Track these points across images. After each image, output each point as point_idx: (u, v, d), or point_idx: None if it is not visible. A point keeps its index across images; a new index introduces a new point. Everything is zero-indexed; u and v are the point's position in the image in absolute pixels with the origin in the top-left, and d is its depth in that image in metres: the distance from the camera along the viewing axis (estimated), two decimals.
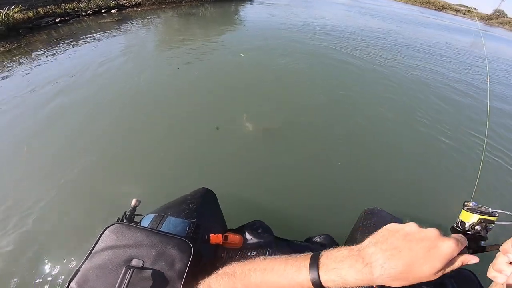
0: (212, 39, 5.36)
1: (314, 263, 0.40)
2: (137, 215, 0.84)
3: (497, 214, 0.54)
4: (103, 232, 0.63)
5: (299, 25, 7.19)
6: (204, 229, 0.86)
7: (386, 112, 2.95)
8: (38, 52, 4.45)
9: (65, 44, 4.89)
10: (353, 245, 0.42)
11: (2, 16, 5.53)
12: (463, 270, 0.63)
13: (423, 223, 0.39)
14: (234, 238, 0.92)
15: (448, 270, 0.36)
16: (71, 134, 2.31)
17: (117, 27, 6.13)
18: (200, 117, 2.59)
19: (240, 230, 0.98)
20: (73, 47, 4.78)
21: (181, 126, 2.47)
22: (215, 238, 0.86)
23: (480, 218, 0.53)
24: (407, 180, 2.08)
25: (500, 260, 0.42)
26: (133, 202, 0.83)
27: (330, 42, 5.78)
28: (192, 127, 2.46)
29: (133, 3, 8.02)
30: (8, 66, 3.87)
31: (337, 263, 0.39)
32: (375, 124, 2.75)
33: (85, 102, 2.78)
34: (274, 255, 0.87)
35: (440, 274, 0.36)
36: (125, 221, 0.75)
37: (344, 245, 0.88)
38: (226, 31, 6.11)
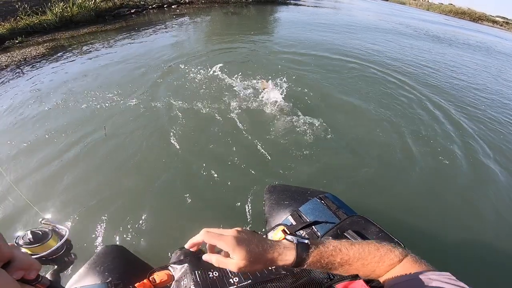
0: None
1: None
2: None
3: None
4: None
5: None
6: (126, 283, 0.85)
7: None
8: (123, 35, 5.72)
9: (143, 30, 6.13)
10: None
11: (92, 2, 7.23)
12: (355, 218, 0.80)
13: None
14: (161, 276, 0.86)
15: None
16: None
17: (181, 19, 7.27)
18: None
19: (163, 266, 0.90)
20: (151, 32, 5.98)
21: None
22: (142, 286, 0.82)
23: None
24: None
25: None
26: None
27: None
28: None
29: (187, 0, 9.03)
30: (107, 41, 5.25)
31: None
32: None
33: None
34: (203, 274, 0.76)
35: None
36: None
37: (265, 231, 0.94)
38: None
